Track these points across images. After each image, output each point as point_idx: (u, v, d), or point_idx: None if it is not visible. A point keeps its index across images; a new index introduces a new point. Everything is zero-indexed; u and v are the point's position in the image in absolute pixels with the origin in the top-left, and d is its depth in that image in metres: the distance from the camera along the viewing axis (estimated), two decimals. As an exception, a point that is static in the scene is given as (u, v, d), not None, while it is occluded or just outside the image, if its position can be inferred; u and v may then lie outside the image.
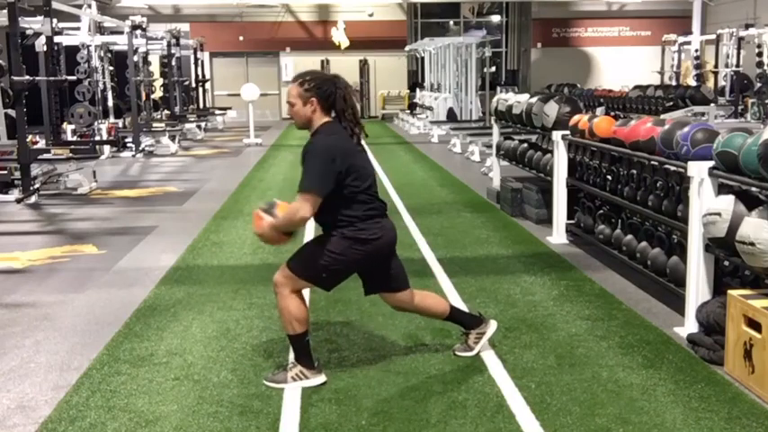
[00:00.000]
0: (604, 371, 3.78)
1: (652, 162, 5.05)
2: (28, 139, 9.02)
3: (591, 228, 6.09)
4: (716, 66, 19.61)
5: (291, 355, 3.79)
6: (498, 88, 21.52)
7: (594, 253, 6.07)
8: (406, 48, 24.58)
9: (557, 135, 6.45)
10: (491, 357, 3.97)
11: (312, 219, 3.62)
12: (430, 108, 20.03)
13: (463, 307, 4.80)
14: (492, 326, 4.02)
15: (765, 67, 16.60)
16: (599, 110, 11.97)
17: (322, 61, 25.44)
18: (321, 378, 3.66)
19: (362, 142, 3.76)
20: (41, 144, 10.15)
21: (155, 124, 16.15)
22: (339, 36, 25.72)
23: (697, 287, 4.21)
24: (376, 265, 3.72)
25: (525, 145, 7.99)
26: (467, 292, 5.15)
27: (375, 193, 3.68)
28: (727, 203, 3.87)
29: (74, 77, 13.35)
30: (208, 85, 24.19)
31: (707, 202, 4.08)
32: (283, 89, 25.90)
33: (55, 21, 11.00)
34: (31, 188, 8.90)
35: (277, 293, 3.61)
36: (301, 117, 3.58)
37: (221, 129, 22.10)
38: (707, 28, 23.17)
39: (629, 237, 5.35)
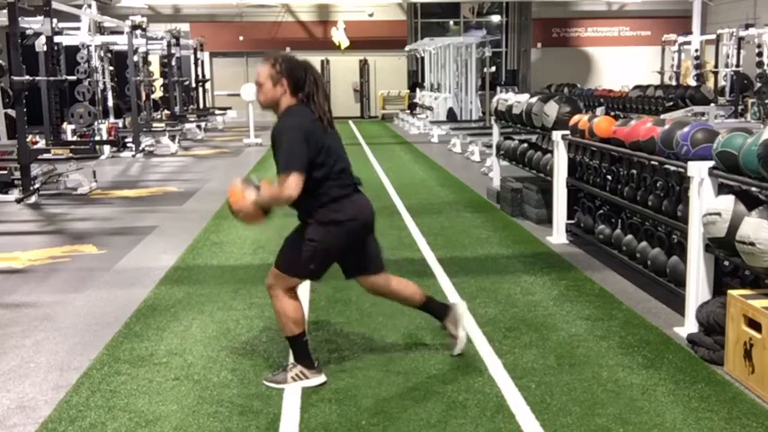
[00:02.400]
0: (604, 371, 3.78)
1: (652, 162, 5.05)
2: (28, 139, 9.03)
3: (591, 228, 6.09)
4: (716, 66, 19.61)
5: (291, 356, 3.79)
6: (498, 88, 21.53)
7: (594, 253, 6.07)
8: (406, 48, 24.59)
9: (557, 135, 6.45)
10: (491, 357, 3.97)
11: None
12: (430, 108, 20.03)
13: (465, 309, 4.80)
14: (459, 307, 4.02)
15: (765, 67, 16.60)
16: (599, 110, 11.99)
17: (322, 61, 25.44)
18: (321, 378, 3.66)
19: (335, 127, 3.73)
20: (41, 144, 10.16)
21: (155, 124, 16.15)
22: (339, 36, 25.73)
23: (697, 287, 4.21)
24: (354, 247, 3.68)
25: (525, 145, 7.99)
26: (467, 292, 5.15)
27: (349, 173, 3.65)
28: (727, 203, 3.87)
29: (74, 77, 13.35)
30: (208, 85, 24.19)
31: (707, 202, 4.08)
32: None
33: (55, 21, 11.00)
34: (31, 188, 8.90)
35: (272, 296, 3.62)
36: (269, 98, 3.55)
37: (221, 129, 22.11)
38: (707, 28, 23.17)
39: (629, 237, 5.35)
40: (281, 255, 3.64)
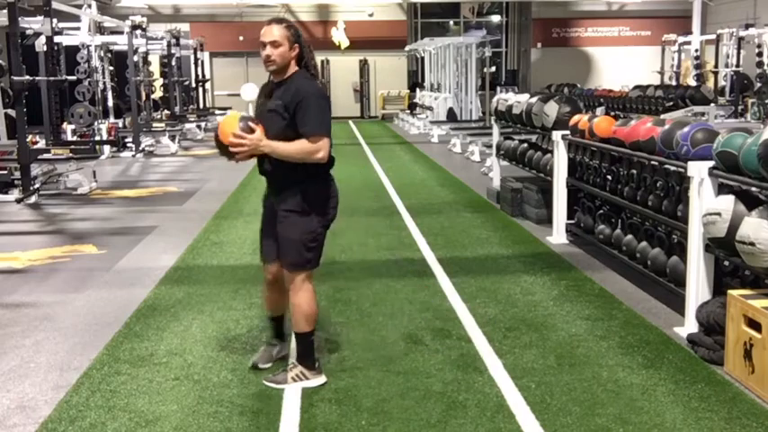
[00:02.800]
0: (604, 371, 3.78)
1: (652, 162, 5.05)
2: (28, 139, 9.02)
3: (591, 228, 6.10)
4: (716, 66, 19.61)
5: (293, 356, 3.78)
6: (498, 88, 21.53)
7: (594, 253, 6.07)
8: (406, 48, 24.58)
9: (557, 135, 6.46)
10: (491, 357, 3.97)
11: (264, 172, 3.61)
12: (430, 108, 20.03)
13: (464, 307, 4.81)
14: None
15: (765, 67, 16.59)
16: (599, 110, 11.99)
17: (322, 61, 25.42)
18: (321, 379, 3.65)
19: None
20: (41, 144, 10.16)
21: (155, 124, 16.15)
22: (339, 36, 25.72)
23: (697, 287, 4.21)
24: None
25: (525, 145, 7.99)
26: (467, 292, 5.15)
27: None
28: (727, 203, 3.87)
29: (74, 77, 13.35)
30: (208, 85, 24.18)
31: (707, 202, 4.08)
32: (283, 89, 25.90)
33: (55, 21, 11.00)
34: (31, 188, 8.90)
35: (290, 290, 3.59)
36: (285, 59, 3.51)
37: (221, 129, 22.07)
38: (707, 28, 23.17)
39: (629, 237, 5.35)
40: (290, 253, 3.55)
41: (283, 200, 3.57)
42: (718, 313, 3.89)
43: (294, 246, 3.53)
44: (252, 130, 3.43)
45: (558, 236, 6.61)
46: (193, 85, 22.19)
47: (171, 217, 8.27)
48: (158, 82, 18.80)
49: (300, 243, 3.52)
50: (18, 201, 8.63)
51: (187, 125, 18.12)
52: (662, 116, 10.41)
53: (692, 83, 20.12)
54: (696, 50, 21.50)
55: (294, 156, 3.45)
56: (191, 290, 5.32)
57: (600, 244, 5.87)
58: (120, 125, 15.06)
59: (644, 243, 5.12)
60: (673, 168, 4.76)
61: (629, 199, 5.32)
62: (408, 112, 23.14)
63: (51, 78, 9.96)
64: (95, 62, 14.69)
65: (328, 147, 3.47)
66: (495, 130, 9.20)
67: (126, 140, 14.75)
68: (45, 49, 10.34)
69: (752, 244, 3.57)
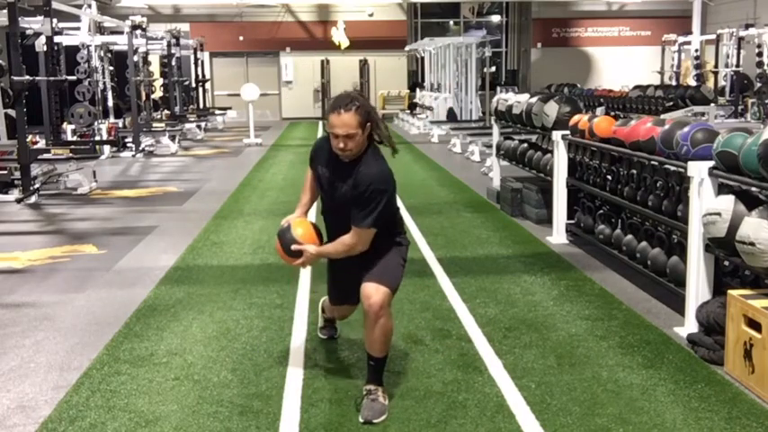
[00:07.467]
0: (604, 371, 3.78)
1: (652, 162, 5.06)
2: (28, 139, 9.02)
3: (591, 228, 6.10)
4: (716, 66, 19.60)
5: (372, 380, 3.43)
6: (498, 88, 21.52)
7: (594, 253, 6.07)
8: (406, 48, 24.59)
9: (557, 135, 6.46)
10: (491, 357, 3.97)
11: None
12: (430, 108, 20.03)
13: (464, 307, 4.81)
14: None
15: (765, 67, 16.58)
16: (599, 110, 11.99)
17: (322, 61, 25.46)
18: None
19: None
20: (41, 144, 10.15)
21: (155, 124, 16.14)
22: (339, 36, 25.72)
23: (697, 287, 4.21)
24: None
25: (525, 145, 7.99)
26: (467, 292, 5.15)
27: None
28: (727, 203, 3.87)
29: (74, 77, 13.33)
30: (208, 85, 24.17)
31: (707, 202, 4.08)
32: (284, 89, 25.93)
33: (55, 21, 10.99)
34: (31, 188, 8.90)
35: (383, 315, 3.30)
36: (361, 147, 3.29)
37: (221, 129, 22.09)
38: (707, 28, 23.17)
39: (629, 237, 5.35)
40: (388, 274, 3.39)
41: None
42: (718, 313, 3.89)
43: (387, 266, 3.48)
44: (299, 253, 3.44)
45: (558, 236, 6.61)
46: (193, 85, 22.19)
47: (171, 217, 8.27)
48: (158, 82, 18.79)
49: (394, 266, 3.53)
50: (18, 201, 8.63)
51: (187, 125, 18.11)
52: (662, 116, 10.40)
53: (692, 83, 20.11)
54: (696, 50, 21.49)
55: (339, 255, 3.45)
56: (191, 290, 5.32)
57: (600, 244, 5.87)
58: (120, 125, 15.05)
59: (644, 243, 5.12)
60: (673, 168, 4.76)
61: (629, 199, 5.32)
62: (408, 111, 23.13)
63: (51, 78, 9.95)
64: (95, 62, 14.68)
65: (369, 239, 3.35)
66: (495, 130, 9.20)
67: (126, 140, 14.75)
68: (45, 49, 10.33)
69: (752, 244, 3.57)
